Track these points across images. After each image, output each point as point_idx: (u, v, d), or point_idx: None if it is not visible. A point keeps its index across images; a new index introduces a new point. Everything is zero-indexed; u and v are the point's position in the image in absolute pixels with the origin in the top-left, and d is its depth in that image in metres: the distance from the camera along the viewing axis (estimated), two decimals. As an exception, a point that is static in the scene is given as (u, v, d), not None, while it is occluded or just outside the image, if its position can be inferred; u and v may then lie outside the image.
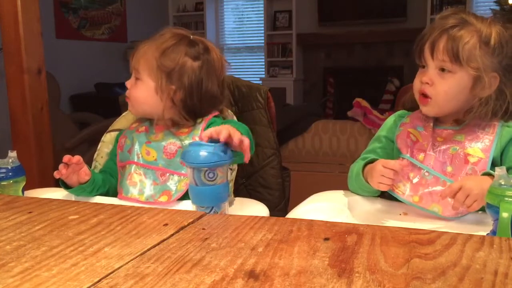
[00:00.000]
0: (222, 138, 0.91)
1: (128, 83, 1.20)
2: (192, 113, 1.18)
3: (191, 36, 1.21)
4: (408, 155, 1.07)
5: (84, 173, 1.12)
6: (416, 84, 1.08)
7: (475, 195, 0.90)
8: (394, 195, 1.04)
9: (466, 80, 1.02)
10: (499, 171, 0.79)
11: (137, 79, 1.19)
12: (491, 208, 0.78)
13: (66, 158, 1.10)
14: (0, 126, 3.06)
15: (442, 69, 1.03)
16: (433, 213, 1.01)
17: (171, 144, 1.16)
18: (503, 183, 0.76)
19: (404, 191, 1.04)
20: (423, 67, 1.07)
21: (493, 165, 1.00)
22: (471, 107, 1.04)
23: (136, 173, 1.16)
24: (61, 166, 1.11)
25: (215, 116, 1.20)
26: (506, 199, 0.75)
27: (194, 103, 1.17)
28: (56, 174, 1.11)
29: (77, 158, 1.11)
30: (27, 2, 1.82)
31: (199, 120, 1.19)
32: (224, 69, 1.23)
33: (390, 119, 1.18)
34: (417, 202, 1.02)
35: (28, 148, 1.84)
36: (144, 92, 1.17)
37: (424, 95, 1.05)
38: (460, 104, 1.05)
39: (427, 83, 1.04)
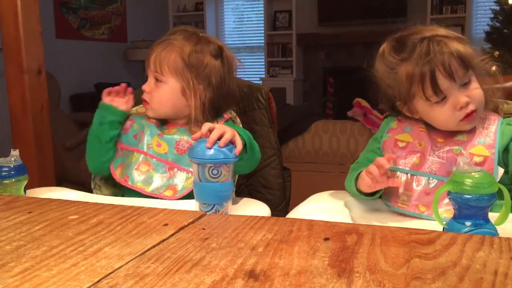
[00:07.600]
0: (224, 139, 0.92)
1: (146, 87, 1.20)
2: (215, 111, 1.20)
3: (200, 34, 1.23)
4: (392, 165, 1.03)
5: (126, 104, 1.24)
6: (450, 114, 1.01)
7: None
8: (400, 210, 1.00)
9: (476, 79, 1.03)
10: (463, 159, 0.78)
11: (158, 81, 1.19)
12: (453, 196, 0.77)
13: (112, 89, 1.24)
14: (0, 126, 3.06)
15: (465, 83, 1.01)
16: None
17: (184, 140, 1.17)
18: (466, 168, 0.76)
19: (408, 202, 1.00)
20: (442, 99, 1.01)
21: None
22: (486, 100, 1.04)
23: (145, 164, 1.16)
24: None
25: (226, 121, 1.21)
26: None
27: (220, 102, 1.20)
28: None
29: (123, 85, 1.23)
30: (27, 2, 1.81)
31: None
32: (236, 66, 1.26)
33: (386, 122, 1.17)
34: (424, 212, 0.98)
35: (28, 148, 1.84)
36: (168, 93, 1.18)
37: (470, 113, 1.01)
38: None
39: (468, 101, 1.00)
